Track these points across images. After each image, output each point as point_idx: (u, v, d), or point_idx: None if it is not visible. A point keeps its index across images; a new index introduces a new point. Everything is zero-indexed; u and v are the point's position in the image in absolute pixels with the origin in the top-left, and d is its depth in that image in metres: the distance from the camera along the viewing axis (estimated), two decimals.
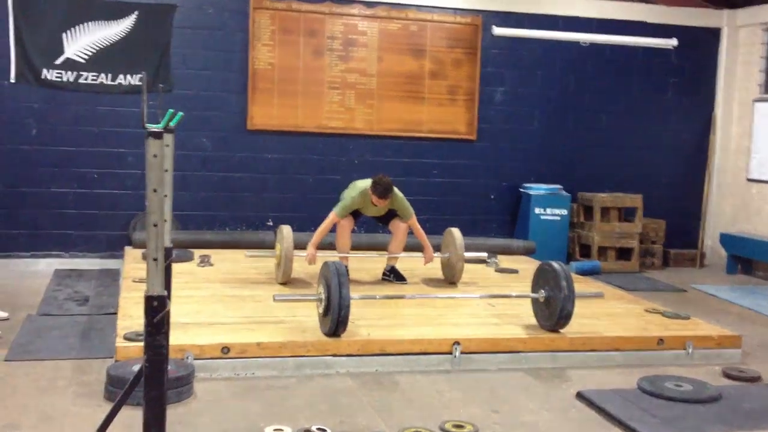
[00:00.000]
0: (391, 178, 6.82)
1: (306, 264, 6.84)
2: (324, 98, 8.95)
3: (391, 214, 7.07)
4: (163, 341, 2.95)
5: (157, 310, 2.91)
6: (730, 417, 4.42)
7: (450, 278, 7.14)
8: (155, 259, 2.91)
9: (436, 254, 7.11)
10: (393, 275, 7.12)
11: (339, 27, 8.93)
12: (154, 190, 2.90)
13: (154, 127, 2.98)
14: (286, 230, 6.76)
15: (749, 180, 9.83)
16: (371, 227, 8.34)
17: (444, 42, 9.21)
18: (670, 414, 4.38)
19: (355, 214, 7.03)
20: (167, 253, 3.28)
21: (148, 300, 2.91)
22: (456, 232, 7.09)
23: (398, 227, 7.05)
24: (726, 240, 9.71)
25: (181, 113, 4.05)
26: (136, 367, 3.73)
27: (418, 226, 7.03)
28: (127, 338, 4.87)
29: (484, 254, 7.94)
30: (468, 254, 7.12)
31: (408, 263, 7.32)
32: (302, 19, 8.82)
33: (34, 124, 8.26)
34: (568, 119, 9.73)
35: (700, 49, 10.00)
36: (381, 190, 6.70)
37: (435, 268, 7.31)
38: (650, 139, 9.97)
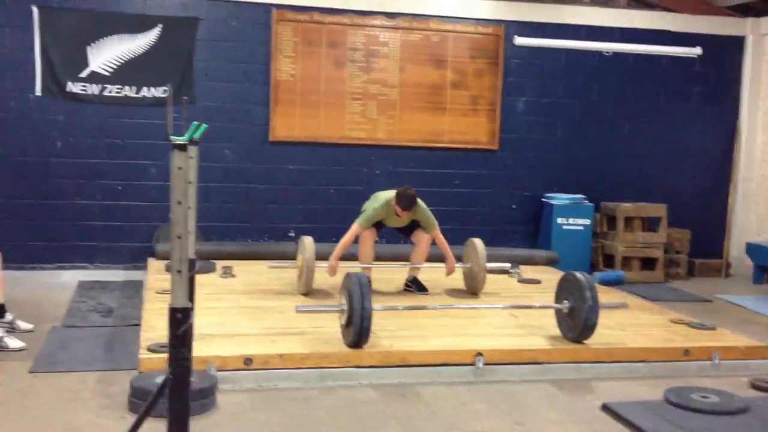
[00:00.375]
0: (414, 189, 6.81)
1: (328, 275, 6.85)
2: (346, 109, 8.97)
3: (413, 225, 7.05)
4: (188, 353, 2.95)
5: (181, 322, 2.91)
6: (759, 429, 4.36)
7: (472, 289, 7.10)
8: (179, 271, 2.91)
9: (458, 265, 7.08)
10: (415, 286, 7.10)
11: (361, 38, 8.95)
12: (179, 202, 2.90)
13: (179, 140, 2.99)
14: (307, 241, 6.77)
15: None
16: (393, 238, 8.33)
17: (466, 52, 9.21)
18: (698, 426, 4.32)
19: (378, 225, 7.02)
20: (191, 264, 3.29)
21: (173, 312, 2.91)
22: (478, 242, 7.06)
23: (421, 238, 7.03)
24: (752, 250, 9.58)
25: (205, 125, 4.06)
26: (160, 379, 3.74)
27: (442, 238, 7.00)
28: (150, 350, 4.89)
29: (507, 264, 7.88)
30: (490, 265, 7.08)
31: (430, 274, 7.30)
32: (324, 30, 8.85)
33: (58, 137, 8.34)
34: (590, 129, 9.68)
35: (724, 58, 9.91)
36: (405, 202, 6.69)
37: (457, 279, 7.28)
38: (674, 148, 9.89)
